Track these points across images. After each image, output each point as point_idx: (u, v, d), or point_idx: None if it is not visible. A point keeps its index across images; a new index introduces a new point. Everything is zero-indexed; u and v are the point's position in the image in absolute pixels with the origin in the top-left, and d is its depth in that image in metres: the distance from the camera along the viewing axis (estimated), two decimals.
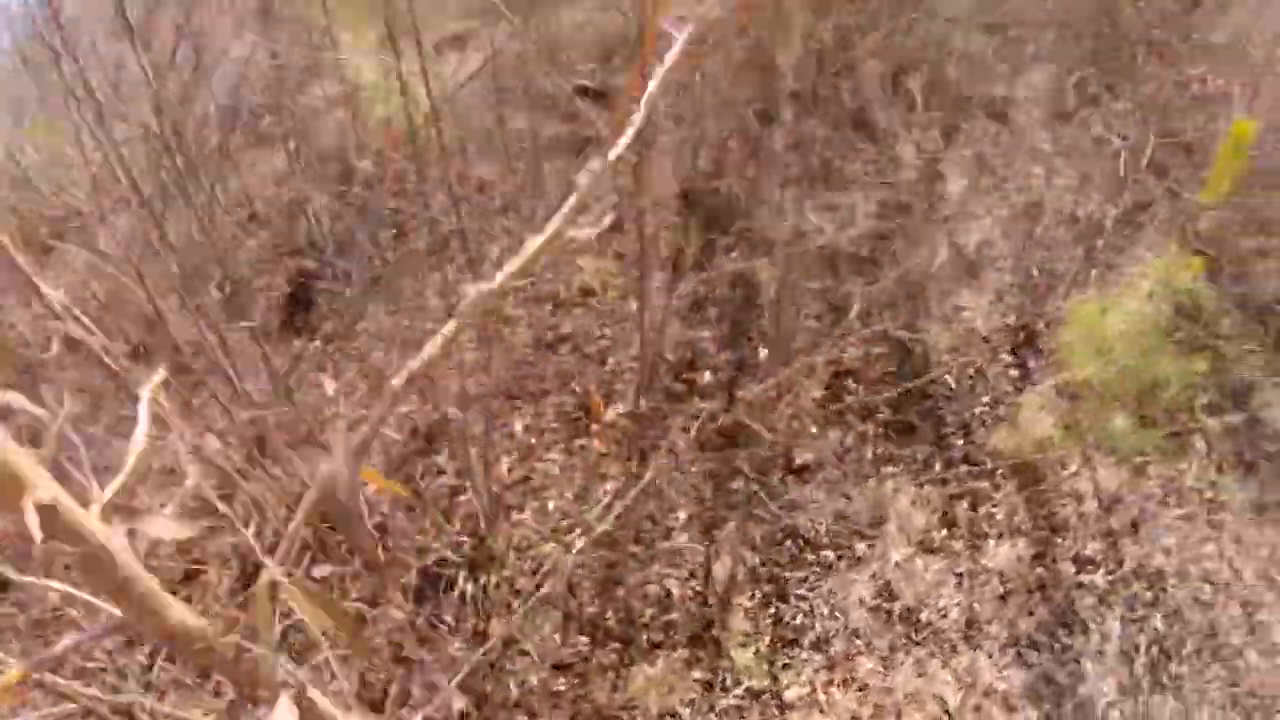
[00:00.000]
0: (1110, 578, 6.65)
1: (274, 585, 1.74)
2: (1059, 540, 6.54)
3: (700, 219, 7.32)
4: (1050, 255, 8.04)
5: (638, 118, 1.77)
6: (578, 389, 6.64)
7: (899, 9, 9.35)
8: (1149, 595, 6.74)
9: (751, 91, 8.57)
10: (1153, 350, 6.15)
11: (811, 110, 8.71)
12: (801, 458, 6.18)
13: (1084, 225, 8.18)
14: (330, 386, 8.58)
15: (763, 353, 6.61)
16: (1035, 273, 7.77)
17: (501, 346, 6.92)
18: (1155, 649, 6.57)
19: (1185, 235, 7.56)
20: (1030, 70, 10.36)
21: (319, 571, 6.58)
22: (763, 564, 5.87)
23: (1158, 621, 6.69)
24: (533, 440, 6.56)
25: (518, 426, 6.67)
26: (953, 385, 6.87)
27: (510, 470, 6.52)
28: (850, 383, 6.61)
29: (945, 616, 5.88)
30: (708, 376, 6.47)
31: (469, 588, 6.41)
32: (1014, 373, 7.04)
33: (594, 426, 6.36)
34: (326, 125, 9.53)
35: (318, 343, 8.15)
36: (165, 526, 1.87)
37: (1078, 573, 6.51)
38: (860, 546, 5.96)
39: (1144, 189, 8.92)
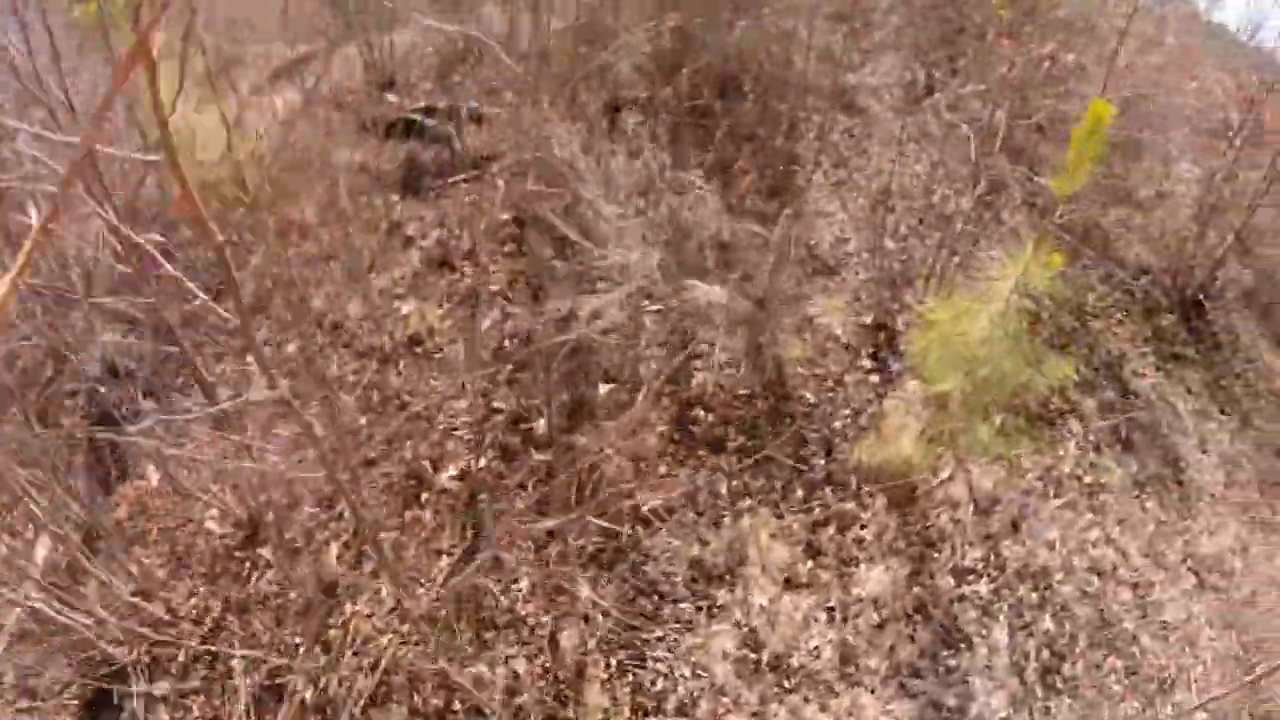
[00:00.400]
0: (993, 585, 6.32)
1: None
2: (935, 554, 6.18)
3: (534, 246, 6.77)
4: (906, 246, 7.75)
5: None
6: (407, 454, 6.00)
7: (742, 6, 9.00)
8: (1035, 597, 6.44)
9: (587, 100, 8.09)
10: (1014, 354, 5.81)
11: (651, 115, 8.27)
12: (650, 503, 5.68)
13: (939, 213, 7.92)
14: (155, 477, 7.84)
15: (603, 389, 6.10)
16: (891, 266, 7.45)
17: (325, 414, 6.23)
18: (1046, 652, 6.26)
19: (1044, 227, 7.33)
20: (879, 57, 10.14)
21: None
22: (616, 628, 5.34)
23: (1047, 623, 6.40)
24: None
25: (344, 504, 5.99)
26: (811, 399, 6.47)
27: (340, 555, 5.85)
28: (699, 412, 6.14)
29: (818, 657, 5.45)
30: (542, 425, 5.90)
31: (308, 694, 5.75)
32: (875, 378, 6.68)
33: (424, 496, 5.75)
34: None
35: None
36: None
37: (958, 585, 6.15)
38: (720, 593, 5.50)
39: (999, 172, 8.75)
